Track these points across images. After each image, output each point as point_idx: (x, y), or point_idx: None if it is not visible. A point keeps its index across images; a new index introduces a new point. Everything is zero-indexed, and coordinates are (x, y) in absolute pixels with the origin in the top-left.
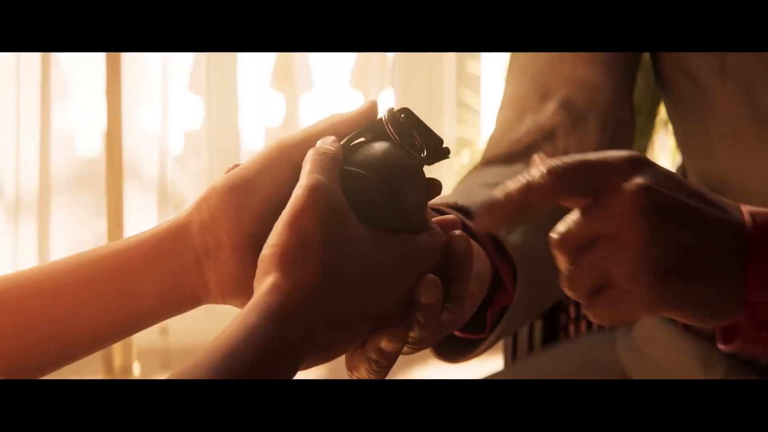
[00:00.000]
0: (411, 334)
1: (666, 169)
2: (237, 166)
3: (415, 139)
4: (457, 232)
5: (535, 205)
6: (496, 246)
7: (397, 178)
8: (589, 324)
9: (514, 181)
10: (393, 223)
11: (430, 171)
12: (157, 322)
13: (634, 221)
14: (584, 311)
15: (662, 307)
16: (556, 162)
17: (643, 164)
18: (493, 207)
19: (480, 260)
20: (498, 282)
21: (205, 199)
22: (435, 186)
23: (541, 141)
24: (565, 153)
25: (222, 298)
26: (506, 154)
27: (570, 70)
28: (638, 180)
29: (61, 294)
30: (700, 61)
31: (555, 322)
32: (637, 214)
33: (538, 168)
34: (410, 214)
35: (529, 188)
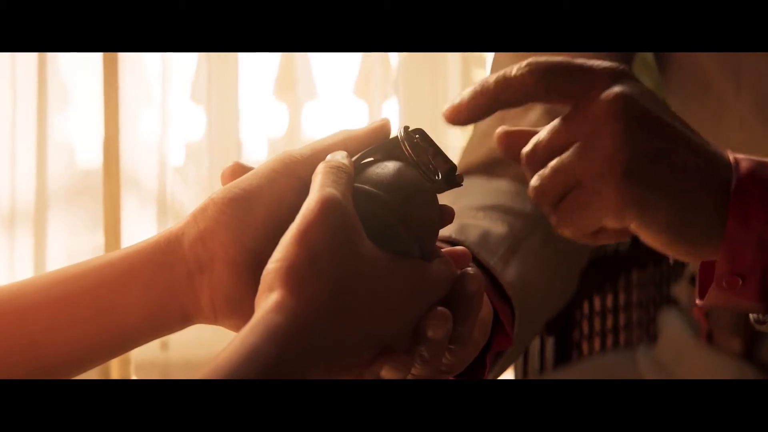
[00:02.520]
0: (411, 370)
1: (649, 89)
2: (237, 164)
3: (429, 162)
4: (471, 270)
5: (511, 101)
6: (492, 284)
7: (411, 200)
8: (603, 342)
9: (492, 75)
10: (404, 247)
11: None
12: (144, 342)
13: (608, 125)
14: (552, 222)
15: (628, 211)
16: (538, 59)
17: (626, 76)
18: (469, 99)
19: (484, 303)
20: (496, 323)
21: (202, 210)
22: (447, 213)
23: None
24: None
25: (214, 317)
26: (484, 162)
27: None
28: (617, 88)
29: (37, 311)
30: (714, 67)
31: (567, 339)
32: (611, 118)
33: (519, 64)
34: (423, 239)
35: (506, 82)
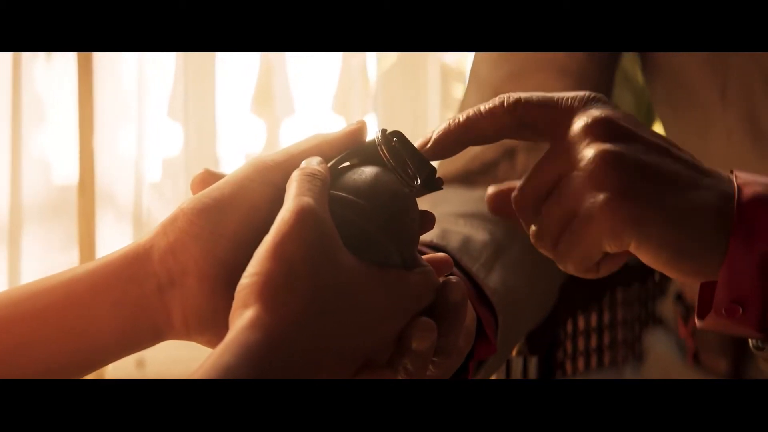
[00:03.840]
0: None
1: (627, 112)
2: (207, 171)
3: (408, 167)
4: (453, 278)
5: (483, 136)
6: (474, 290)
7: (390, 207)
8: (588, 361)
9: (464, 111)
10: (384, 256)
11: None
12: (115, 359)
13: (591, 147)
14: (556, 262)
15: (625, 231)
16: (509, 93)
17: (600, 101)
18: (439, 135)
19: (468, 310)
20: (479, 330)
21: (172, 221)
22: (428, 219)
23: (500, 158)
24: (525, 171)
25: (187, 333)
26: (462, 172)
27: (536, 82)
28: (594, 111)
29: (3, 327)
30: (700, 79)
31: (551, 359)
32: (593, 140)
33: (492, 99)
34: (403, 246)
35: (478, 116)
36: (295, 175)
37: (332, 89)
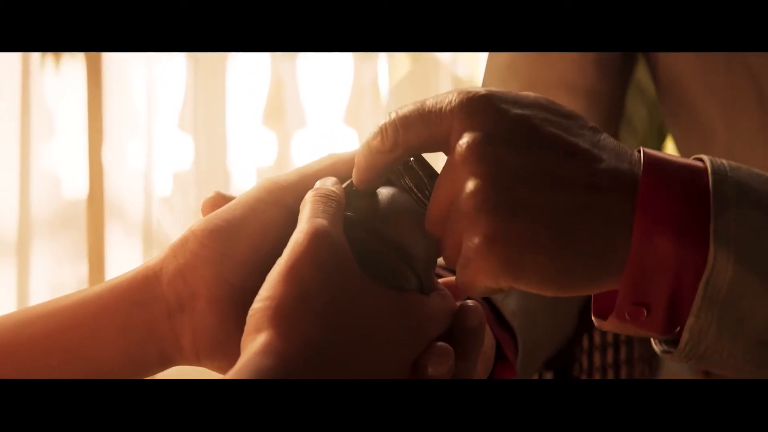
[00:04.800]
0: None
1: (513, 114)
2: (218, 194)
3: (425, 187)
4: (471, 302)
5: (387, 165)
6: (492, 311)
7: (407, 229)
8: (604, 377)
9: (360, 148)
10: (401, 280)
11: None
12: None
13: (463, 186)
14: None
15: (501, 276)
16: (389, 117)
17: (479, 110)
18: (359, 177)
19: (486, 334)
20: (498, 355)
21: (182, 243)
22: None
23: None
24: None
25: (197, 359)
26: None
27: (560, 69)
28: (467, 137)
29: (7, 352)
30: (701, 97)
31: (567, 375)
32: (465, 177)
33: (372, 131)
34: (420, 270)
35: (370, 152)
36: (309, 197)
37: (344, 101)
